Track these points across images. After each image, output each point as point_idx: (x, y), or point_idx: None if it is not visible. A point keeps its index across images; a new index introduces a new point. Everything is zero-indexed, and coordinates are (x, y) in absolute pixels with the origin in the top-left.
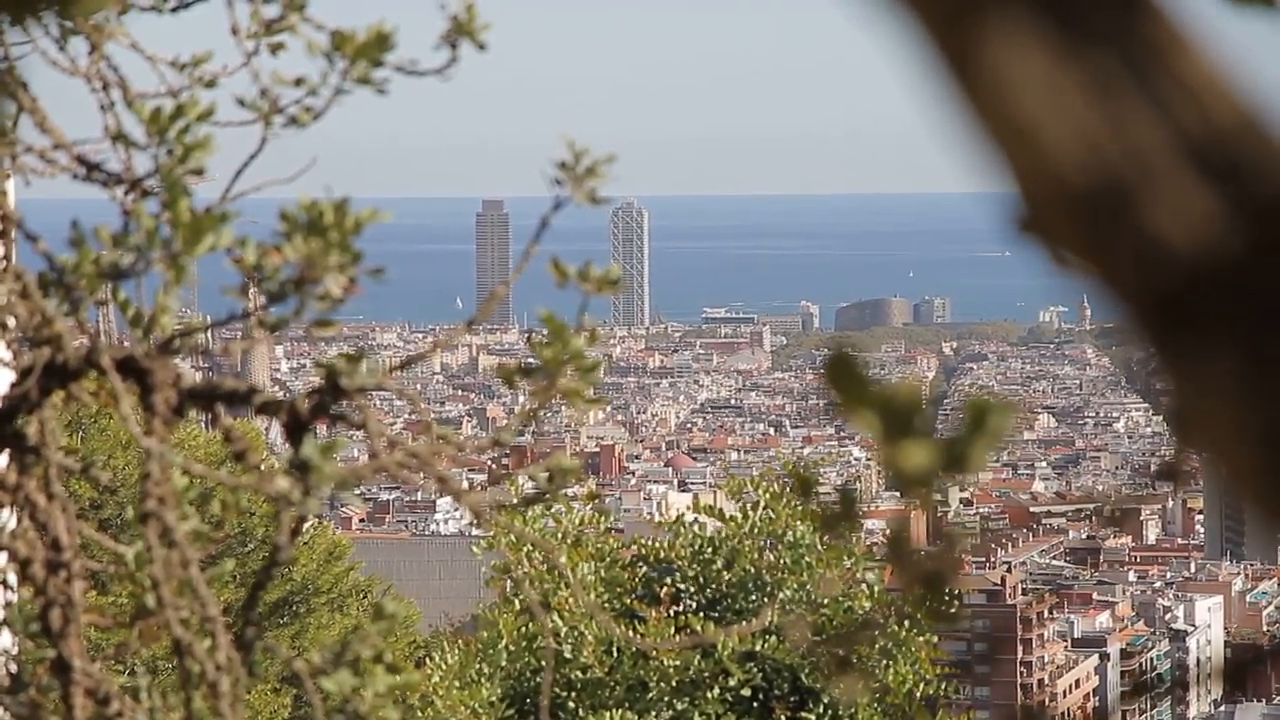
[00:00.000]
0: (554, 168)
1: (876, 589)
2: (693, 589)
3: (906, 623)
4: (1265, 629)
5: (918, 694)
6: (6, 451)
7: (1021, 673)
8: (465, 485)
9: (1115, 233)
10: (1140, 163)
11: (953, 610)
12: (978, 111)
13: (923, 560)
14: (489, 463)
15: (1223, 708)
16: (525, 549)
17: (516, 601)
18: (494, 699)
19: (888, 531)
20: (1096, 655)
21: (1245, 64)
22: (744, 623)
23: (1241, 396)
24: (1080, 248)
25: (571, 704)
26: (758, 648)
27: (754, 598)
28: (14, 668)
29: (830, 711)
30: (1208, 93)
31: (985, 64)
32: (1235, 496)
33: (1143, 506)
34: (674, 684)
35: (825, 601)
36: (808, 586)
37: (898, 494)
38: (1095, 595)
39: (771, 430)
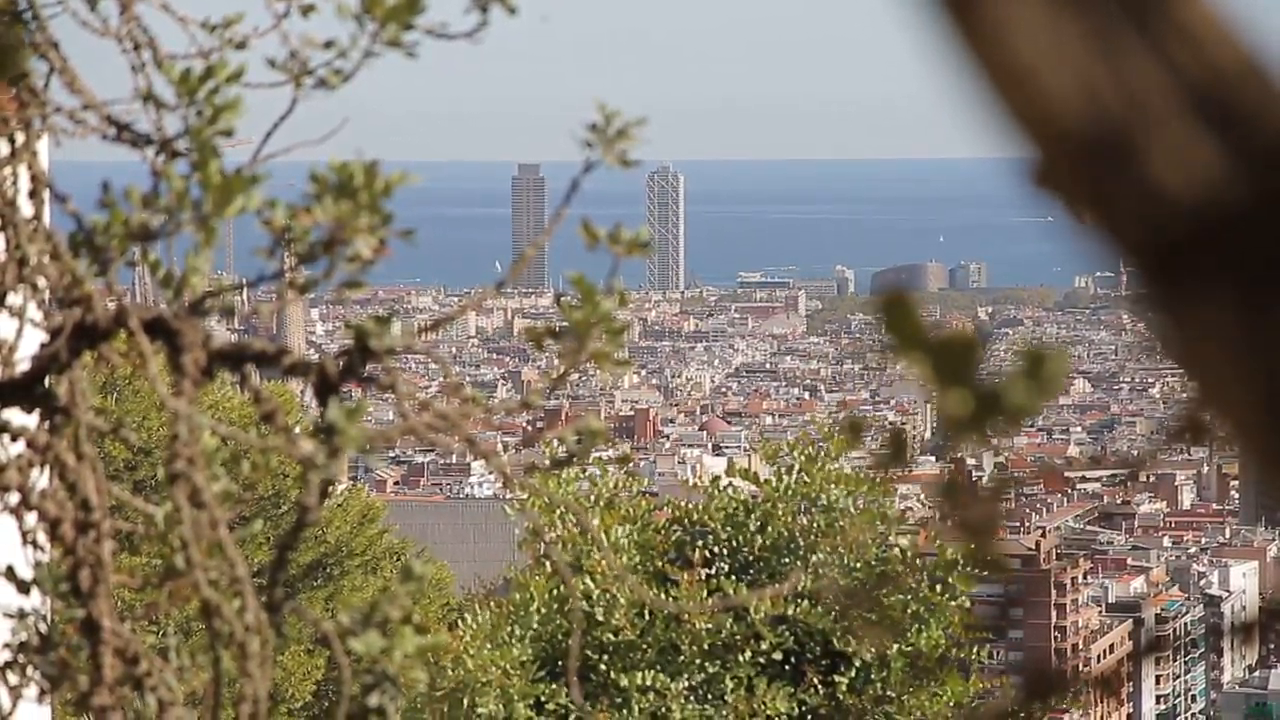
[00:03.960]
0: (585, 130)
1: (909, 553)
2: (726, 552)
3: (939, 586)
4: None
5: (950, 658)
6: (37, 412)
7: (1055, 637)
8: (499, 447)
9: (1116, 181)
10: (1141, 110)
11: (1001, 561)
12: (979, 60)
13: (973, 509)
14: (524, 426)
15: (1257, 672)
16: (557, 512)
17: (548, 564)
18: (525, 660)
19: (941, 480)
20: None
21: (1246, 9)
22: (776, 586)
23: (1243, 347)
24: (1083, 197)
25: (603, 666)
26: (790, 611)
27: (787, 561)
28: (44, 627)
29: (862, 675)
30: (1209, 38)
31: (984, 9)
32: (1238, 449)
33: (1160, 464)
34: (706, 647)
35: (858, 565)
36: (840, 550)
37: (946, 441)
38: (1129, 560)
39: (806, 395)
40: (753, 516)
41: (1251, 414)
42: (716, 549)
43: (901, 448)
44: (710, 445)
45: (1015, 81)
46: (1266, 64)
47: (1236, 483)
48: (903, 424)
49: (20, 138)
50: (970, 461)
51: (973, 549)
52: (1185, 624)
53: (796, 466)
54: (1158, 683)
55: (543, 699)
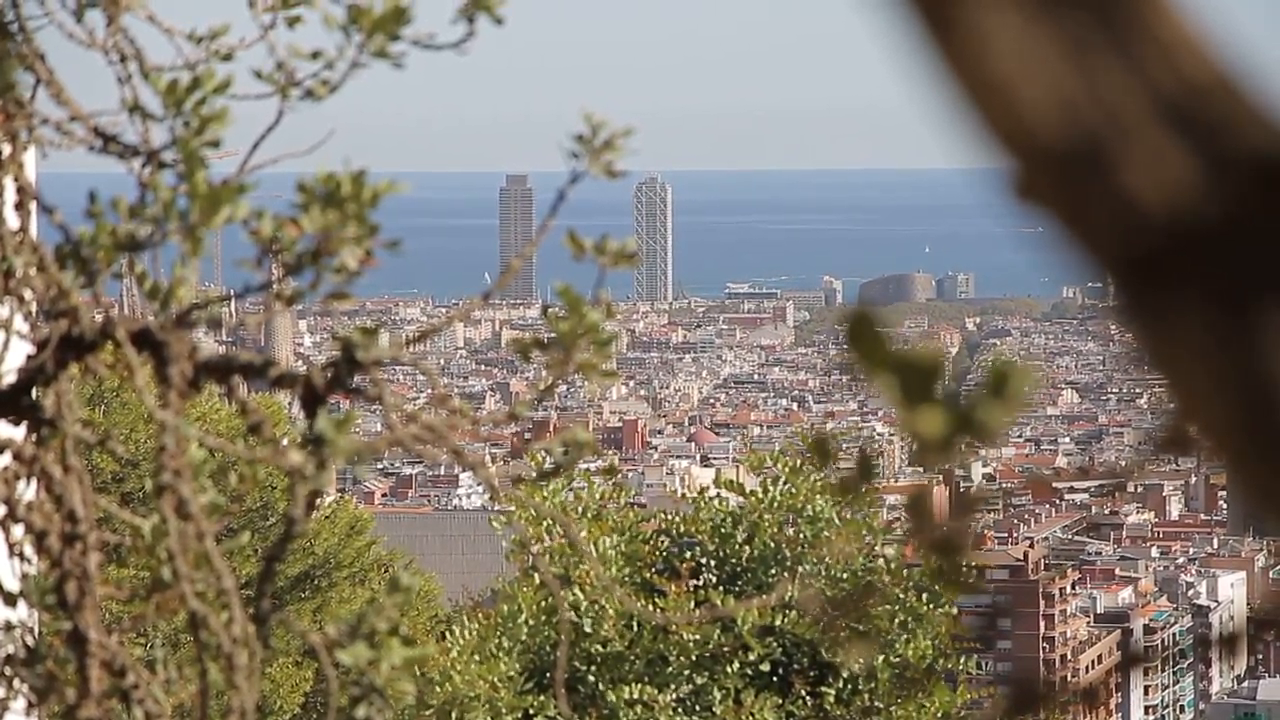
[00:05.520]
0: (572, 142)
1: (894, 563)
2: (713, 563)
3: (925, 596)
4: None
5: (937, 668)
6: (24, 424)
7: (1044, 648)
8: (487, 459)
9: (1091, 192)
10: (1115, 121)
11: (969, 579)
12: (956, 71)
13: (940, 527)
14: (511, 437)
15: (1245, 682)
16: (545, 523)
17: (536, 576)
18: (513, 673)
19: (908, 497)
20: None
21: (1220, 21)
22: (763, 597)
23: (1217, 357)
24: (1059, 209)
25: (591, 678)
26: (777, 622)
27: (774, 572)
28: (31, 640)
29: (849, 686)
30: (1183, 50)
31: (961, 22)
32: (1215, 459)
33: (1148, 475)
34: (693, 658)
35: (844, 575)
36: (827, 560)
37: (918, 464)
38: (1118, 571)
39: (794, 405)
40: (740, 527)
41: (1227, 424)
42: (704, 560)
43: (868, 469)
44: (698, 456)
45: (991, 93)
46: (1239, 76)
47: (1224, 493)
48: (890, 435)
49: (7, 149)
50: (958, 472)
51: (940, 566)
52: (1173, 634)
53: (782, 478)
54: (1146, 693)
55: (531, 711)
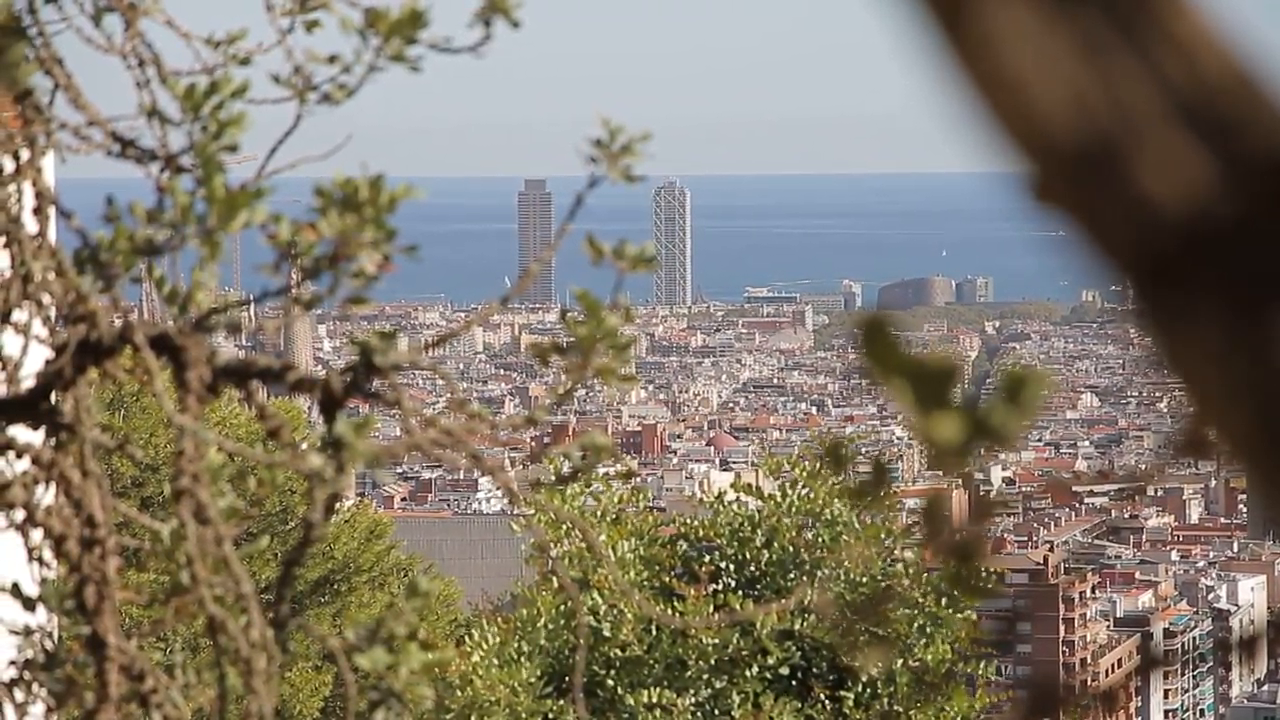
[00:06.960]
0: (590, 146)
1: (913, 567)
2: (732, 567)
3: (944, 600)
4: None
5: (956, 672)
6: (42, 428)
7: (1063, 652)
8: (506, 464)
9: (1105, 193)
10: (1130, 121)
11: (986, 584)
12: (969, 72)
13: (956, 533)
14: (529, 442)
15: (1265, 686)
16: (563, 527)
17: (555, 580)
18: (533, 678)
19: (924, 504)
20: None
21: (1237, 20)
22: (782, 601)
23: (1235, 359)
24: (1073, 210)
25: (610, 682)
26: (796, 626)
27: (793, 576)
28: (50, 644)
29: (869, 690)
30: (1199, 49)
31: (974, 20)
32: (1235, 462)
33: (1167, 478)
34: (712, 662)
35: (863, 579)
36: (845, 564)
37: (935, 469)
38: (1138, 574)
39: (814, 409)
40: (758, 531)
41: (1245, 427)
42: (723, 564)
43: (882, 476)
44: (717, 460)
45: (1005, 93)
46: (1256, 75)
47: (1244, 496)
48: (909, 439)
49: (25, 154)
50: (977, 476)
51: (957, 572)
52: (1193, 638)
53: (800, 482)
54: (1166, 697)
55: (550, 715)
